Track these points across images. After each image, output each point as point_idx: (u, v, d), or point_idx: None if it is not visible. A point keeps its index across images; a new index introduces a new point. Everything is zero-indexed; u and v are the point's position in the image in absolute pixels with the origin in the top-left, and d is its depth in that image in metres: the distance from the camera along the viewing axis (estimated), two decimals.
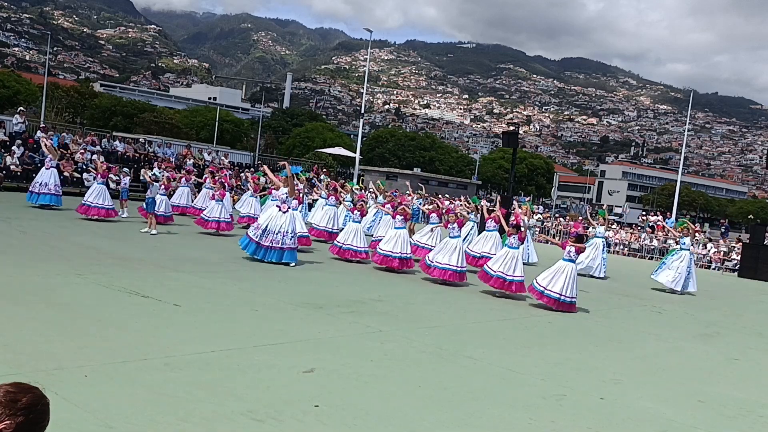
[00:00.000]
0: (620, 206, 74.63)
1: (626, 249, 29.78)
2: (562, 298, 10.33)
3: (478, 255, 14.45)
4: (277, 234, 11.75)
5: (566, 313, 10.30)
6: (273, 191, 12.55)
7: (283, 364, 5.69)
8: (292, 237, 11.96)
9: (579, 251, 10.93)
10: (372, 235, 16.42)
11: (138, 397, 4.50)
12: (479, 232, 16.53)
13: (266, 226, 11.86)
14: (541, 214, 34.25)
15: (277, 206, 12.18)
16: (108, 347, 5.60)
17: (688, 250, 15.85)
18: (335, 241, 14.09)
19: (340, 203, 18.20)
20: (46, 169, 17.07)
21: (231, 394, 4.78)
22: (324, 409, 4.67)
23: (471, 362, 6.62)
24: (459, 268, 11.93)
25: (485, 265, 11.74)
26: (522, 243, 11.98)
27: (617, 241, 29.90)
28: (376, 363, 6.16)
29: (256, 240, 11.81)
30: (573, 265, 10.63)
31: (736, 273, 24.53)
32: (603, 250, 17.02)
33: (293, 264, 11.86)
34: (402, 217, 13.37)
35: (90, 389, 4.54)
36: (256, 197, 18.66)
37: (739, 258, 25.17)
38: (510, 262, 11.10)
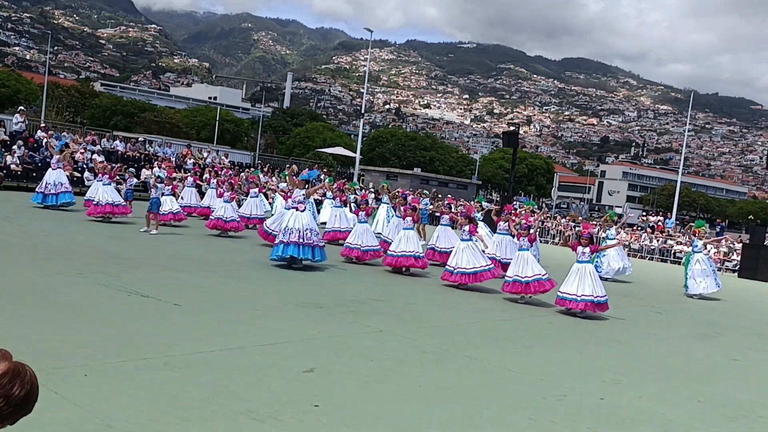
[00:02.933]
0: (620, 206, 74.62)
1: (626, 249, 29.74)
2: (596, 299, 10.17)
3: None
4: (306, 231, 11.71)
5: (569, 314, 10.28)
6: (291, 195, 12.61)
7: (283, 364, 5.68)
8: (317, 233, 12.02)
9: (594, 251, 10.89)
10: (380, 234, 16.42)
11: (138, 397, 4.49)
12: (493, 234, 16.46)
13: (293, 226, 11.74)
14: (540, 213, 34.27)
15: (294, 208, 12.15)
16: (108, 347, 5.60)
17: (701, 252, 15.84)
18: (346, 243, 14.06)
19: (345, 203, 18.21)
20: (53, 169, 17.11)
21: (231, 394, 4.77)
22: (324, 409, 4.66)
23: (471, 362, 6.62)
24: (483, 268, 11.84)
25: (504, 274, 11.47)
26: (532, 244, 11.94)
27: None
28: (376, 363, 6.16)
29: (295, 240, 11.59)
30: (590, 265, 10.55)
31: (736, 273, 24.52)
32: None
33: (323, 261, 12.01)
34: (411, 218, 13.40)
35: (90, 388, 4.54)
36: (258, 196, 18.75)
37: (739, 258, 25.17)
38: (522, 264, 11.02)
